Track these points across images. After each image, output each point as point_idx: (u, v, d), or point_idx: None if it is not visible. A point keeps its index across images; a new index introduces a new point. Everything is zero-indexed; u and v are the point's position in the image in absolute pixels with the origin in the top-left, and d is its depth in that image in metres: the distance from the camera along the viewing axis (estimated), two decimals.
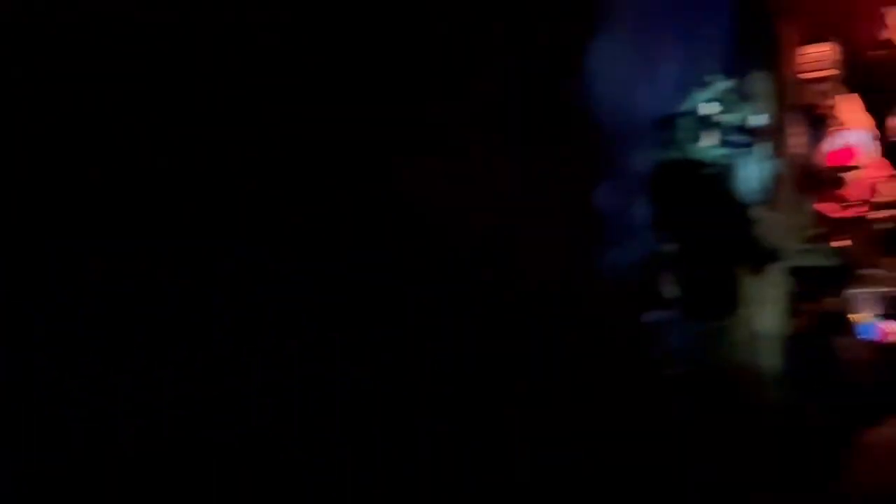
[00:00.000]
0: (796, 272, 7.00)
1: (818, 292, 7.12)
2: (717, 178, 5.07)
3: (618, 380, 4.68)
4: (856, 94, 7.58)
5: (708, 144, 5.14)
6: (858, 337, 7.86)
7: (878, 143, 8.42)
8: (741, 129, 5.41)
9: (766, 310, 6.89)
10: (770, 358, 6.86)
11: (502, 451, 3.90)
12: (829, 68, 6.98)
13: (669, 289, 5.42)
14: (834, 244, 7.31)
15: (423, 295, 3.80)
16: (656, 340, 5.30)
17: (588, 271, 4.70)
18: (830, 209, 8.39)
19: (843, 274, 6.91)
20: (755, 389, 6.15)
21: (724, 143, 5.23)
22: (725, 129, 5.36)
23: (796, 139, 8.41)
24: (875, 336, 8.51)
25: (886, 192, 8.85)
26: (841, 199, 8.45)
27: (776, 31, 6.77)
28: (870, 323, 8.69)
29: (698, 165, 5.03)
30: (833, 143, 7.93)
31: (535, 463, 3.99)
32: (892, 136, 9.34)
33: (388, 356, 3.53)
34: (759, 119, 5.48)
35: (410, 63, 3.86)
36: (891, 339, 8.59)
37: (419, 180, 3.87)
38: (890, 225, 9.03)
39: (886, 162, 8.46)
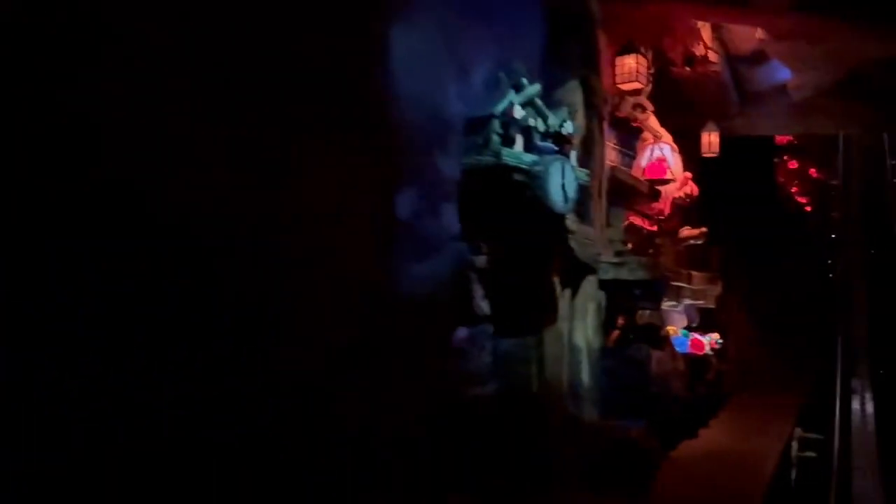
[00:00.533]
0: (610, 285, 6.95)
1: (632, 305, 7.10)
2: (528, 185, 4.79)
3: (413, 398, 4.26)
4: (653, 109, 7.78)
5: (519, 150, 4.85)
6: (673, 349, 7.99)
7: (678, 157, 8.67)
8: (553, 135, 5.19)
9: (580, 323, 6.78)
10: (584, 371, 6.76)
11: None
12: (642, 80, 7.04)
13: (481, 303, 5.08)
14: (647, 257, 7.33)
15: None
16: (465, 357, 4.94)
17: (390, 283, 4.25)
18: (644, 222, 8.53)
19: (656, 287, 6.92)
20: (567, 404, 5.97)
21: (536, 150, 4.97)
22: (537, 135, 5.12)
23: (611, 151, 8.49)
24: (687, 348, 8.74)
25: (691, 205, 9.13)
26: (654, 213, 8.62)
27: (591, 41, 6.71)
28: (682, 336, 8.92)
29: (509, 171, 4.73)
30: (648, 155, 8.06)
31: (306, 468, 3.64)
32: (706, 152, 9.72)
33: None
34: (570, 127, 5.29)
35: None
36: (702, 351, 8.85)
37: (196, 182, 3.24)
38: (699, 240, 9.35)
39: (689, 176, 8.70)
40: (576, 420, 5.80)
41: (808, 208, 18.86)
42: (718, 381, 9.47)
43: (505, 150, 4.68)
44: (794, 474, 9.24)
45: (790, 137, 21.31)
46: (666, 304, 8.33)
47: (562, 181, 4.90)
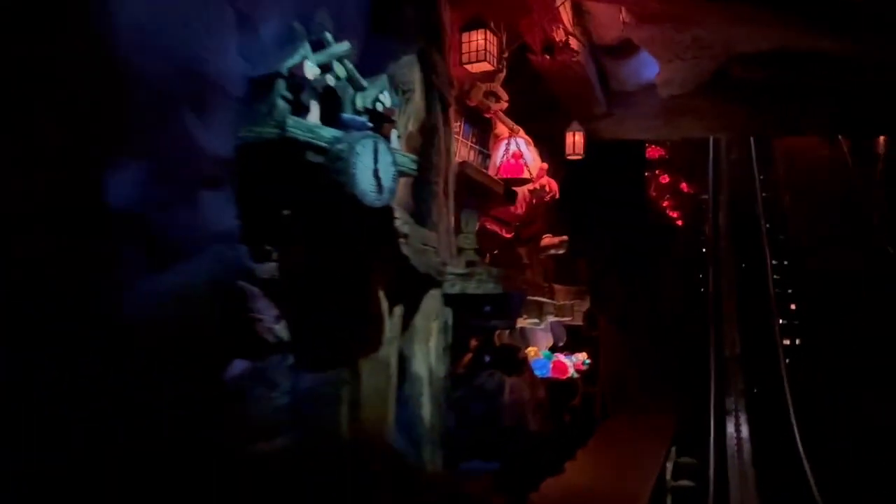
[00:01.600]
0: (458, 300, 5.90)
1: (484, 324, 6.08)
2: (326, 168, 3.63)
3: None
4: (508, 99, 6.87)
5: (315, 121, 3.69)
6: (532, 374, 7.02)
7: (534, 151, 7.81)
8: (368, 110, 4.07)
9: (420, 347, 5.68)
10: (425, 406, 5.66)
11: None
12: (493, 61, 6.07)
13: (273, 327, 3.87)
14: (499, 268, 6.34)
15: None
16: (247, 400, 3.70)
17: (107, 304, 2.98)
18: (500, 228, 7.57)
19: (510, 302, 5.92)
20: (395, 450, 4.83)
21: (342, 125, 3.83)
22: (344, 105, 3.98)
23: (464, 147, 7.48)
24: (549, 372, 7.82)
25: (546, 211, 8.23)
26: (511, 218, 7.69)
27: (434, 8, 5.67)
28: (544, 358, 8.00)
29: (298, 148, 3.55)
30: (504, 152, 7.12)
31: None
32: (571, 153, 8.91)
33: None
34: (389, 99, 4.18)
35: None
36: (566, 374, 7.95)
37: None
38: (560, 249, 8.48)
39: (545, 167, 7.78)
40: (404, 472, 4.66)
41: (680, 222, 18.77)
42: (587, 406, 8.63)
43: (292, 120, 3.50)
44: None
45: (661, 151, 21.39)
46: (526, 322, 7.39)
47: (374, 165, 3.77)
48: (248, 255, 3.69)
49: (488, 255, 7.27)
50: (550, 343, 8.52)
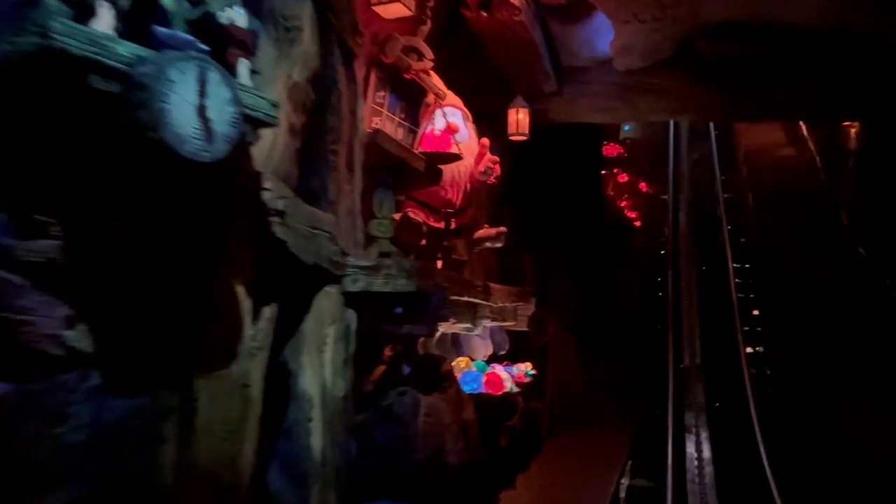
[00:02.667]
0: (361, 300, 4.78)
1: (395, 330, 4.97)
2: (122, 99, 2.48)
3: None
4: (434, 58, 5.72)
5: (105, 30, 2.52)
6: (460, 391, 5.91)
7: (472, 127, 6.71)
8: (200, 24, 2.91)
9: (311, 359, 4.54)
10: (316, 435, 4.53)
11: None
12: (410, 4, 4.93)
13: (60, 332, 2.70)
14: (421, 262, 5.23)
15: None
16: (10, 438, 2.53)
17: None
18: (427, 216, 6.45)
19: (429, 303, 4.82)
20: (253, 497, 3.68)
21: (153, 40, 2.68)
22: (172, 21, 2.83)
23: (383, 116, 6.35)
24: (482, 388, 6.72)
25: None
26: (441, 203, 6.58)
27: None
28: (476, 370, 6.91)
29: (74, 67, 2.39)
30: (432, 123, 6.01)
31: None
32: (514, 133, 7.83)
33: None
34: (240, 17, 3.03)
35: None
36: (502, 389, 6.85)
37: None
38: (497, 242, 7.38)
39: (486, 143, 6.67)
40: None
41: (638, 223, 17.94)
42: (530, 423, 7.56)
43: (61, 25, 2.34)
44: None
45: (619, 149, 20.62)
46: (457, 328, 6.30)
47: (198, 101, 2.63)
48: (6, 228, 2.52)
49: (414, 247, 6.14)
50: (490, 352, 7.43)
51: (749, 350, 12.34)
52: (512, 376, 7.19)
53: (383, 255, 5.21)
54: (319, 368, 4.43)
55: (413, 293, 4.61)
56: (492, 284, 6.65)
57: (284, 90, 4.05)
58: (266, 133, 3.56)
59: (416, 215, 5.95)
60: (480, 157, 6.21)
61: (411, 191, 5.79)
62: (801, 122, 17.00)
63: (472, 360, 7.07)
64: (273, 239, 3.78)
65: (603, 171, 18.82)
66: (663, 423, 9.94)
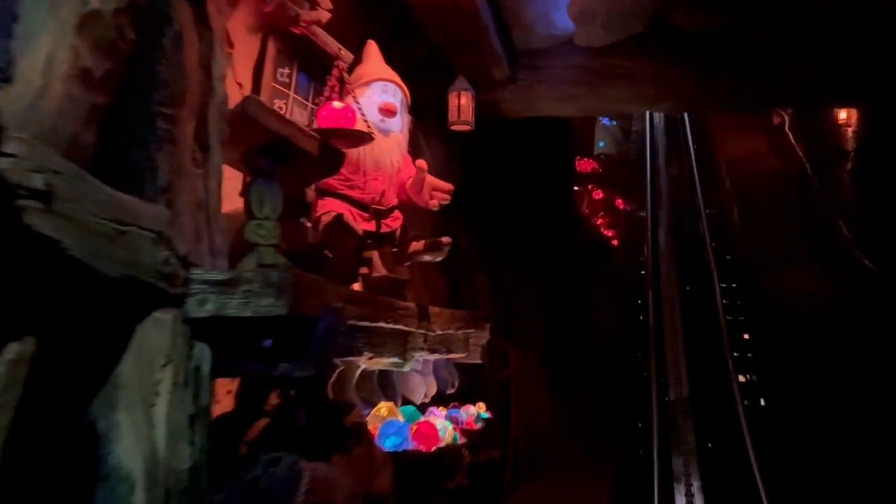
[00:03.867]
0: (212, 329, 3.44)
1: (268, 370, 3.60)
2: None
3: None
4: (332, 8, 4.46)
5: None
6: (374, 450, 4.53)
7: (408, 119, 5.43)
8: None
9: (123, 418, 3.19)
10: None
11: None
12: None
13: None
14: (297, 273, 3.82)
15: None
16: None
17: None
18: (356, 215, 5.10)
19: (317, 332, 3.46)
20: None
21: None
22: None
23: (290, 100, 5.05)
24: (409, 443, 5.34)
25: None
26: (370, 199, 5.22)
27: None
28: (402, 420, 5.52)
29: None
30: (353, 96, 4.72)
31: None
32: (455, 122, 6.57)
33: None
34: None
35: None
36: (434, 444, 5.46)
37: None
38: (437, 256, 6.02)
39: (424, 175, 5.39)
40: None
41: (616, 242, 16.78)
42: (483, 479, 6.19)
43: None
44: None
45: (594, 164, 19.56)
46: (383, 363, 4.94)
47: None
48: None
49: (337, 256, 4.78)
50: (433, 391, 6.08)
51: (742, 378, 11.10)
52: (458, 422, 5.82)
53: (264, 264, 3.86)
54: (147, 430, 3.04)
55: (285, 318, 3.25)
56: (432, 307, 5.32)
57: (74, 19, 2.73)
58: (28, 74, 2.28)
59: (351, 217, 4.63)
60: (418, 182, 4.92)
61: (311, 181, 4.47)
62: (787, 131, 16.00)
63: (408, 402, 5.70)
64: (31, 236, 2.44)
65: (577, 187, 17.78)
66: (648, 469, 8.62)
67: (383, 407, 4.95)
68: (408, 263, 5.54)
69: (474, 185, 8.17)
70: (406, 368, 5.32)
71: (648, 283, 14.10)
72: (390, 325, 4.80)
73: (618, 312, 13.51)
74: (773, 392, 10.68)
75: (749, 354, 11.61)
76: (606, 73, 6.87)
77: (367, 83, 5.02)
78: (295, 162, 4.14)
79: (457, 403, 6.35)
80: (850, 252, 11.07)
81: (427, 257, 5.51)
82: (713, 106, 9.56)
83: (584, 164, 18.98)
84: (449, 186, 5.40)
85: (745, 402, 10.30)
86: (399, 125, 5.17)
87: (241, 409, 4.20)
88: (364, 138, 4.39)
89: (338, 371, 4.88)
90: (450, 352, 6.09)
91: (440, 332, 5.71)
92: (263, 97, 4.53)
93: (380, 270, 5.31)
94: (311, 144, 4.16)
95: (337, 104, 4.28)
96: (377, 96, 4.93)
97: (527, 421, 8.94)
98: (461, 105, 6.05)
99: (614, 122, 24.82)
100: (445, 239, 5.53)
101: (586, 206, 17.65)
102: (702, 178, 18.05)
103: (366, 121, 4.46)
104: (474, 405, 6.60)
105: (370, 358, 4.74)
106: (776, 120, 17.74)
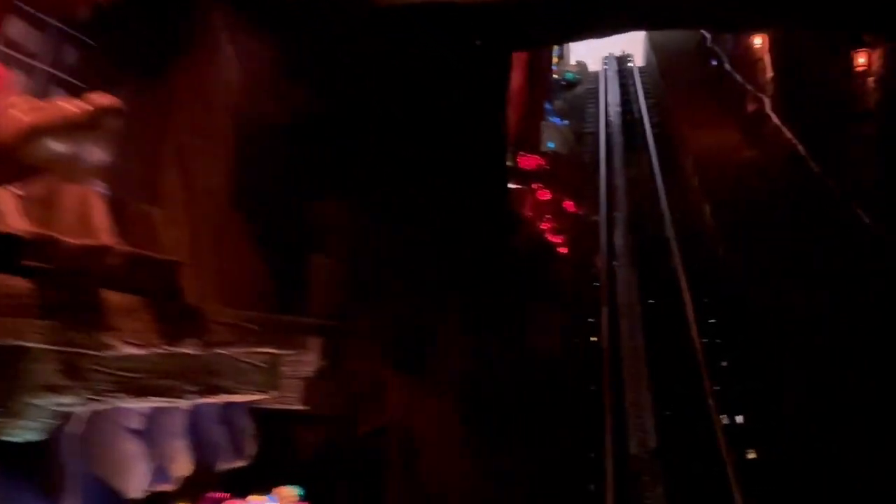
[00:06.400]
0: None
1: None
2: None
3: None
4: None
5: None
6: None
7: None
8: None
9: None
10: None
11: None
12: None
13: None
14: None
15: None
16: None
17: None
18: None
19: None
20: None
21: None
22: None
23: None
24: None
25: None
26: None
27: None
28: None
29: None
30: None
31: None
32: None
33: None
34: None
35: None
36: None
37: None
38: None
39: None
40: None
41: (564, 250, 14.05)
42: None
43: None
44: None
45: (540, 160, 16.96)
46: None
47: None
48: None
49: None
50: (185, 470, 3.20)
51: (725, 420, 8.42)
52: None
53: None
54: None
55: None
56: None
57: None
58: None
59: None
60: None
61: None
62: (769, 112, 13.53)
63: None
64: None
65: (518, 185, 15.15)
66: None
67: None
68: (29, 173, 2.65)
69: (338, 122, 5.37)
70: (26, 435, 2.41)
71: (603, 298, 11.41)
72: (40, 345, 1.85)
73: (565, 335, 10.76)
74: (768, 439, 8.02)
75: (735, 386, 8.94)
76: None
77: None
78: None
79: (235, 497, 3.47)
80: (877, 246, 8.14)
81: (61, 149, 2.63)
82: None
83: (528, 160, 16.34)
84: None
85: (734, 455, 7.62)
86: None
87: None
88: None
89: None
90: (220, 390, 3.21)
91: (166, 352, 2.81)
92: None
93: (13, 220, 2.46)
94: None
95: None
96: None
97: (425, 474, 6.10)
98: None
99: (565, 122, 22.31)
100: (99, 99, 2.70)
101: (530, 208, 14.97)
102: (664, 174, 15.70)
103: None
104: (285, 489, 3.74)
105: None
106: (751, 107, 15.40)
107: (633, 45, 30.00)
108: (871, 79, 8.16)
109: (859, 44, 8.20)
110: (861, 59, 8.29)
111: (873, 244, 8.41)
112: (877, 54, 8.01)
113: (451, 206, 8.46)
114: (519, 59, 15.50)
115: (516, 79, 15.93)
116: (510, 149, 16.21)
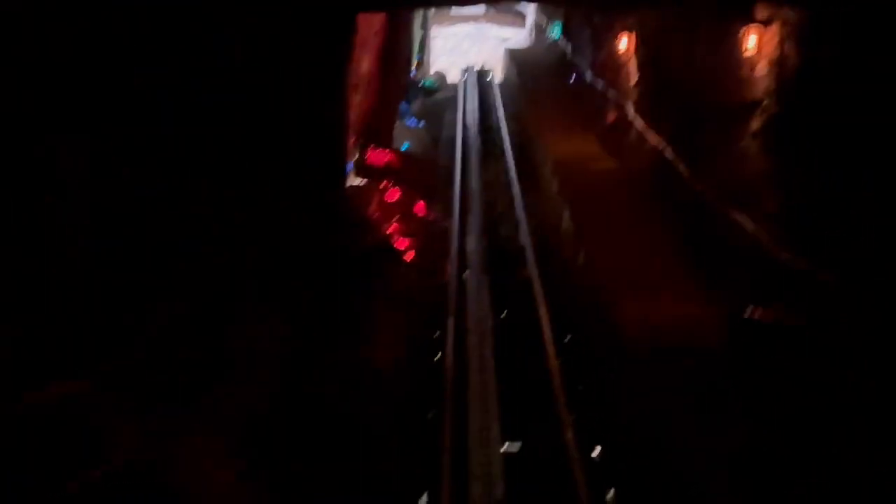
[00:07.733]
0: None
1: None
2: None
3: None
4: None
5: None
6: None
7: None
8: None
9: None
10: None
11: None
12: None
13: None
14: None
15: None
16: None
17: None
18: None
19: None
20: None
21: None
22: None
23: None
24: None
25: None
26: None
27: None
28: None
29: None
30: None
31: None
32: None
33: None
34: None
35: None
36: None
37: None
38: None
39: None
40: None
41: (411, 255, 12.51)
42: None
43: None
44: None
45: (390, 156, 15.40)
46: None
47: None
48: None
49: None
50: None
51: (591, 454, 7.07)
52: None
53: None
54: None
55: None
56: None
57: None
58: None
59: None
60: None
61: None
62: (635, 115, 12.66)
63: None
64: None
65: (364, 180, 13.61)
66: None
67: None
68: None
69: None
70: None
71: (450, 309, 9.91)
72: None
73: (404, 350, 9.12)
74: (640, 474, 6.71)
75: (594, 415, 7.62)
76: None
77: None
78: None
79: None
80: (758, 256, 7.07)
81: None
82: None
83: (377, 156, 14.80)
84: None
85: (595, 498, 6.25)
86: None
87: None
88: None
89: None
90: None
91: None
92: None
93: None
94: None
95: None
96: None
97: None
98: None
99: (421, 123, 20.99)
100: None
101: (375, 207, 13.35)
102: (523, 179, 14.59)
103: None
104: None
105: None
106: (612, 116, 14.58)
107: (493, 60, 29.68)
108: (761, 64, 7.07)
109: (750, 20, 7.13)
110: (749, 44, 7.21)
111: (753, 250, 7.34)
112: (769, 33, 6.93)
113: (257, 187, 6.68)
114: (368, 41, 13.93)
115: (367, 62, 14.31)
116: (358, 140, 14.61)
